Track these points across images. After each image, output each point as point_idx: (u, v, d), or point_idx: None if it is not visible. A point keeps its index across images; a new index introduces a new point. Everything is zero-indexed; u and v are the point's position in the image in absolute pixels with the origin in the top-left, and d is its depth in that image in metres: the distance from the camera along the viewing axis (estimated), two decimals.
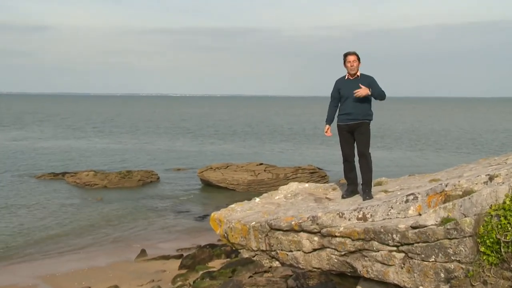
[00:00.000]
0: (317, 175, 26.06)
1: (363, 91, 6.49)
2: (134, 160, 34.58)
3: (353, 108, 6.68)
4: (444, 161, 33.98)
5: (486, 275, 4.67)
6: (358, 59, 6.77)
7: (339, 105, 6.87)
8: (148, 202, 22.42)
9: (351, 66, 6.73)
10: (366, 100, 6.71)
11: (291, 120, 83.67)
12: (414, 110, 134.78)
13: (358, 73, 6.80)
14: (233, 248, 6.98)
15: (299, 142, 47.58)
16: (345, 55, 6.82)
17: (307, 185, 7.86)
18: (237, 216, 6.61)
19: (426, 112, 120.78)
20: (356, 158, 6.76)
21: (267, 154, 38.34)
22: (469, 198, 4.92)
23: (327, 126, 6.86)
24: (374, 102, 6.85)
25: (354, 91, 6.50)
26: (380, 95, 6.63)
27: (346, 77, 6.86)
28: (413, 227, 5.02)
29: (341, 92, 6.79)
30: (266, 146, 43.73)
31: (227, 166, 26.16)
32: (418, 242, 5.01)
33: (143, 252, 15.50)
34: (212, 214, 6.93)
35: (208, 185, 25.71)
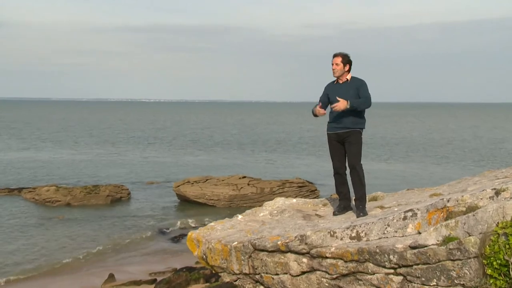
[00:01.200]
0: (306, 189, 26.13)
1: (340, 104, 6.48)
2: (101, 173, 34.29)
3: (342, 115, 6.73)
4: (446, 173, 34.32)
5: None
6: (346, 62, 6.80)
7: (329, 112, 6.92)
8: (117, 221, 22.21)
9: (332, 69, 6.81)
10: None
11: (278, 128, 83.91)
12: (411, 117, 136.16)
13: (348, 77, 6.85)
14: (213, 272, 6.94)
15: (287, 152, 47.69)
16: (332, 57, 6.90)
17: (294, 200, 7.86)
18: (217, 236, 6.58)
19: (424, 120, 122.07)
20: (348, 171, 6.80)
21: (251, 166, 38.35)
22: (474, 215, 4.96)
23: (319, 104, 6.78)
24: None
25: (332, 106, 6.53)
26: (363, 103, 6.62)
27: (336, 81, 6.92)
28: (412, 247, 5.04)
29: (330, 97, 6.84)
30: (250, 157, 43.75)
31: (206, 180, 26.10)
32: (417, 264, 5.03)
33: (111, 277, 15.34)
34: (189, 234, 6.89)
35: (185, 201, 25.59)
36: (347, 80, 6.83)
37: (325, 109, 6.94)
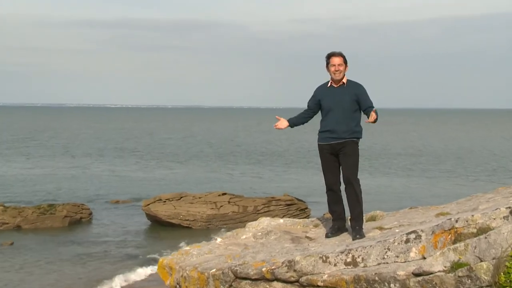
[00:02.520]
0: (295, 207, 26.17)
1: (373, 116, 6.57)
2: (58, 190, 34.02)
3: (337, 123, 6.78)
4: (454, 189, 34.59)
5: None
6: (345, 62, 6.88)
7: (321, 119, 6.95)
8: (76, 248, 21.95)
9: (335, 70, 6.84)
10: (353, 113, 6.80)
11: (263, 138, 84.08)
12: (412, 126, 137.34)
13: (344, 80, 6.91)
14: None
15: (273, 165, 47.75)
16: (329, 57, 6.93)
17: (282, 220, 7.87)
18: (192, 262, 6.54)
19: (428, 128, 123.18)
20: (343, 187, 6.83)
21: (232, 181, 38.33)
22: (486, 237, 4.98)
23: (285, 120, 7.00)
24: (362, 115, 6.94)
25: (367, 120, 6.60)
26: (377, 115, 6.71)
27: (329, 84, 6.96)
28: (416, 274, 5.06)
29: (323, 103, 6.88)
30: (231, 171, 43.74)
31: (181, 197, 26.02)
32: None
33: None
34: (161, 260, 6.85)
35: (156, 221, 25.47)
36: (343, 83, 6.88)
37: (311, 117, 6.99)
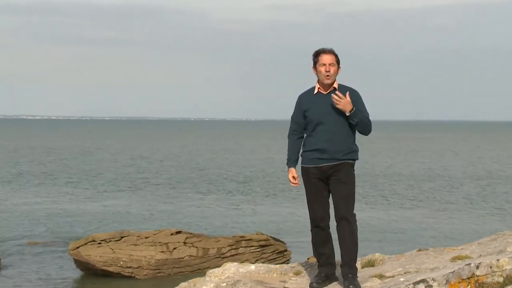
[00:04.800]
0: (271, 249, 26.13)
1: (345, 101, 6.62)
2: None
3: (328, 140, 6.83)
4: (474, 225, 34.89)
5: None
6: (337, 61, 6.95)
7: (306, 135, 6.98)
8: None
9: (326, 72, 6.91)
10: (349, 127, 6.85)
11: (230, 158, 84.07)
12: (420, 142, 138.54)
13: (335, 85, 6.98)
14: None
15: (243, 193, 47.74)
16: (317, 54, 7.01)
17: (253, 266, 7.86)
18: None
19: (439, 145, 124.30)
20: (333, 223, 6.86)
21: (189, 214, 38.21)
22: None
23: (291, 169, 6.95)
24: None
25: (333, 98, 6.62)
26: (363, 124, 6.80)
27: (316, 91, 7.03)
28: None
29: (309, 114, 6.93)
30: (188, 200, 43.60)
31: (122, 237, 25.80)
32: None
33: None
34: None
35: (88, 269, 25.20)
36: (335, 89, 6.93)
37: (300, 134, 7.00)
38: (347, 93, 6.73)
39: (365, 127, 6.86)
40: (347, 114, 6.71)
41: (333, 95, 6.69)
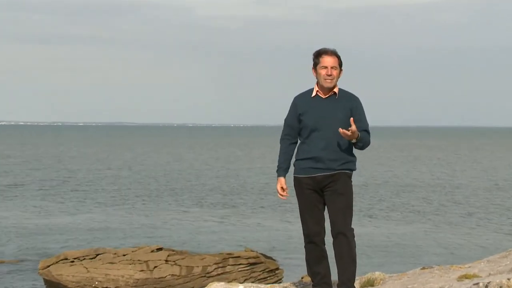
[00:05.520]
0: (261, 268, 26.09)
1: (352, 132, 6.65)
2: None
3: (323, 148, 6.84)
4: (483, 241, 34.92)
5: None
6: (340, 64, 6.95)
7: (299, 142, 6.98)
8: None
9: (327, 75, 6.92)
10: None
11: (216, 167, 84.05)
12: (423, 151, 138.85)
13: (336, 89, 6.97)
14: None
15: (230, 206, 47.74)
16: (319, 55, 7.01)
17: (242, 286, 7.86)
18: None
19: (445, 153, 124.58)
20: (329, 238, 6.86)
21: (171, 229, 38.15)
22: None
23: (281, 179, 6.94)
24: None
25: (340, 130, 6.65)
26: (365, 142, 6.85)
27: (314, 94, 7.04)
28: None
29: (304, 119, 6.93)
30: (170, 214, 43.55)
31: (97, 255, 25.74)
32: None
33: None
34: None
35: None
36: (335, 93, 6.94)
37: (294, 139, 6.99)
38: (351, 120, 6.74)
39: (366, 145, 6.92)
40: (353, 142, 6.78)
41: (342, 131, 6.70)
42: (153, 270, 25.37)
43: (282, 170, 6.98)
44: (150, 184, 64.00)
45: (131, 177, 71.85)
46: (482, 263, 7.60)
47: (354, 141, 6.72)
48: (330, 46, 7.03)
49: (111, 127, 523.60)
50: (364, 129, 6.81)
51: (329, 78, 6.85)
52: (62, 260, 25.76)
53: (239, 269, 26.12)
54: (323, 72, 6.88)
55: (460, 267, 7.68)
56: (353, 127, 6.66)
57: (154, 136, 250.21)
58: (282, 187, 6.97)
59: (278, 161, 7.06)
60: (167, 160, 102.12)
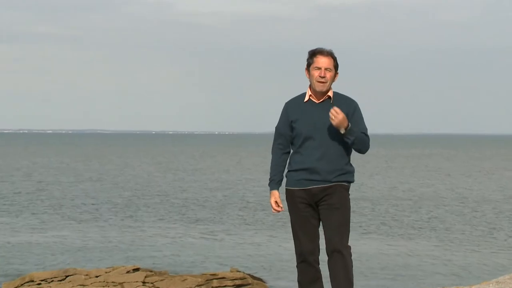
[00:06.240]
0: None
1: (339, 116, 6.63)
2: None
3: (318, 159, 6.83)
4: (493, 260, 34.94)
5: None
6: (335, 66, 6.95)
7: (292, 151, 6.97)
8: None
9: (320, 76, 6.90)
10: (344, 144, 6.84)
11: (199, 178, 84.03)
12: (429, 160, 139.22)
13: (330, 93, 6.97)
14: None
15: (215, 221, 47.70)
16: (313, 54, 7.01)
17: None
18: None
19: (452, 164, 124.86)
20: (324, 257, 6.84)
21: (149, 246, 38.08)
22: None
23: (274, 192, 6.93)
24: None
25: (331, 113, 6.63)
26: (361, 141, 6.82)
27: (307, 98, 7.03)
28: None
29: (297, 126, 6.92)
30: (148, 230, 43.48)
31: (66, 276, 25.71)
32: None
33: None
34: None
35: None
36: (329, 98, 6.93)
37: (286, 149, 6.98)
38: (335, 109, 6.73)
39: (363, 145, 6.86)
40: (342, 132, 6.71)
41: (331, 110, 6.69)
42: None
43: (275, 183, 6.97)
44: (126, 197, 63.86)
45: (105, 189, 71.65)
46: (490, 285, 7.61)
47: (343, 131, 6.68)
48: (323, 44, 7.03)
49: (82, 135, 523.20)
50: (361, 132, 6.80)
51: (322, 80, 6.84)
52: (27, 282, 25.64)
53: None
54: (316, 73, 6.87)
55: None
56: (338, 111, 6.66)
57: (129, 145, 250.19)
58: (276, 201, 6.96)
59: (270, 173, 7.04)
60: (144, 171, 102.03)
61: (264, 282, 27.01)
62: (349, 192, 6.92)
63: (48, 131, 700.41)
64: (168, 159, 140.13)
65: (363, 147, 6.85)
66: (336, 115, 6.64)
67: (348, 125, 6.67)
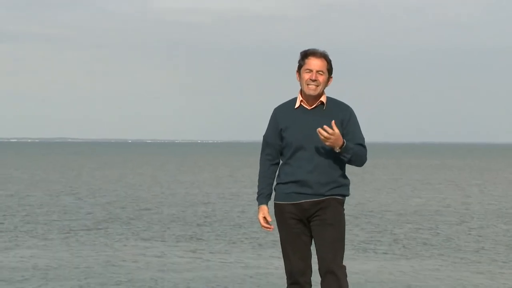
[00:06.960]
0: None
1: (335, 136, 6.73)
2: None
3: (310, 171, 6.95)
4: (502, 281, 35.15)
5: None
6: (329, 70, 7.05)
7: (281, 162, 7.08)
8: None
9: (311, 79, 7.02)
10: (337, 155, 6.94)
11: (179, 191, 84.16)
12: (432, 171, 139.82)
13: (323, 98, 7.07)
14: None
15: (197, 239, 47.81)
16: (305, 56, 7.17)
17: None
18: None
19: (457, 175, 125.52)
20: (316, 278, 6.95)
21: (126, 267, 38.12)
22: None
23: (263, 207, 7.04)
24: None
25: (320, 133, 6.75)
26: (358, 156, 6.93)
27: (298, 105, 7.16)
28: None
29: (286, 135, 7.05)
30: (124, 249, 43.53)
31: None
32: None
33: None
34: None
35: None
36: (322, 103, 7.04)
37: (275, 160, 7.09)
38: (333, 123, 6.81)
39: (359, 160, 6.98)
40: (337, 151, 6.81)
41: (319, 130, 6.76)
42: None
43: (263, 197, 7.06)
44: (101, 212, 63.87)
45: (77, 204, 71.61)
46: None
47: (338, 150, 6.77)
48: (318, 45, 7.12)
49: (50, 143, 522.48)
50: (357, 143, 6.89)
51: (313, 84, 6.94)
52: None
53: None
54: (306, 76, 6.98)
55: None
56: (335, 129, 6.72)
57: (104, 154, 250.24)
58: (264, 217, 7.06)
59: (258, 186, 7.12)
60: (119, 183, 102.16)
61: None
62: (344, 207, 7.01)
63: (12, 140, 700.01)
64: (149, 170, 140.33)
65: (359, 162, 6.95)
66: (329, 136, 6.70)
67: (344, 142, 6.75)
